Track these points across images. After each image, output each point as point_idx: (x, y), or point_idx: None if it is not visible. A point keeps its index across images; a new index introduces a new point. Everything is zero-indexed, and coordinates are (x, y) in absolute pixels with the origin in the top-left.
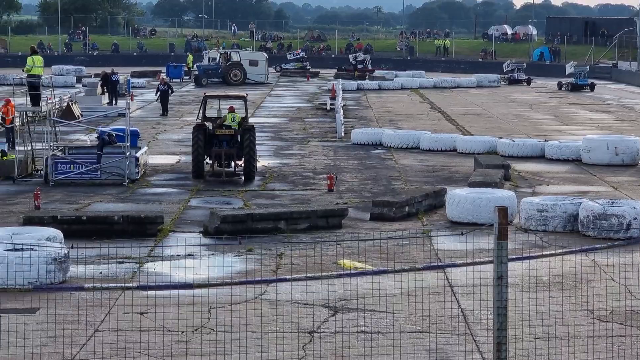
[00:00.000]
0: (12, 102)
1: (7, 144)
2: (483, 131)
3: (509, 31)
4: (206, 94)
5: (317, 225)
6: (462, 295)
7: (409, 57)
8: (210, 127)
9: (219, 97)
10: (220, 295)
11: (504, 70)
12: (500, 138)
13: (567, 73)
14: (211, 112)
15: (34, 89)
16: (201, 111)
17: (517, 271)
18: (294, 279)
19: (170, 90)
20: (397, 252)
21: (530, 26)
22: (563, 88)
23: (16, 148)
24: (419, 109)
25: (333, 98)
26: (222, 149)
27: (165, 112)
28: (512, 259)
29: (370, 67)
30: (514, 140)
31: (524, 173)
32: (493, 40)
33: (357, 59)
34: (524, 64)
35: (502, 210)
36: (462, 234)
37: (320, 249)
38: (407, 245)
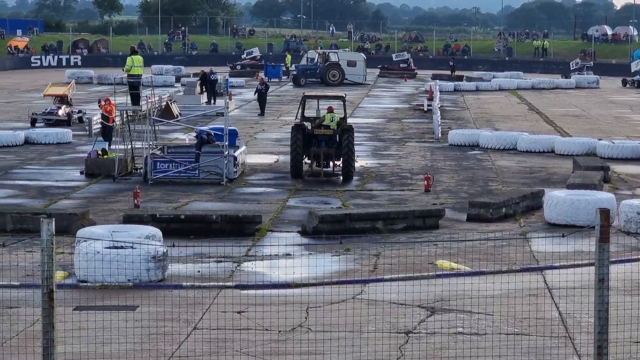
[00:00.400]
0: (113, 102)
1: (107, 143)
2: (582, 132)
3: (609, 32)
4: (305, 94)
5: (414, 226)
6: (561, 297)
7: (506, 58)
8: (309, 127)
9: (318, 97)
10: (317, 295)
11: (571, 69)
12: (600, 140)
13: (632, 71)
14: (310, 112)
15: (134, 88)
16: (300, 111)
17: (617, 274)
18: (391, 279)
19: (265, 89)
20: (494, 254)
21: (630, 27)
22: (627, 85)
23: (113, 147)
24: (516, 110)
25: (430, 99)
26: (320, 148)
27: (263, 111)
28: (613, 262)
29: (413, 67)
30: (613, 142)
31: (623, 175)
32: (593, 41)
33: (400, 59)
34: (591, 62)
35: (604, 212)
36: (563, 236)
37: (417, 250)
38: (504, 247)
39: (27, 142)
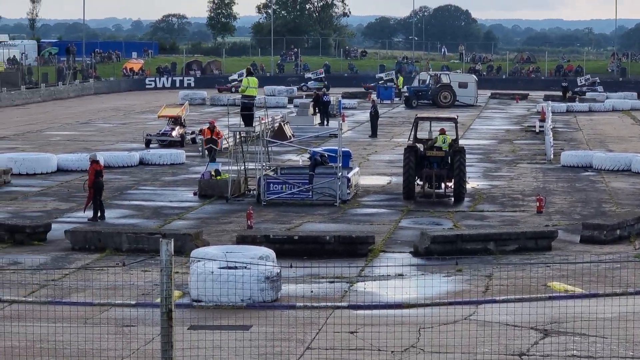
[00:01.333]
0: (217, 128)
1: (220, 164)
2: None
3: None
4: (417, 116)
5: (526, 247)
6: None
7: (620, 79)
8: (422, 149)
9: (430, 119)
10: (429, 316)
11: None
12: None
13: None
14: (422, 134)
15: (248, 109)
16: (412, 132)
17: None
18: (503, 301)
19: (375, 111)
20: (608, 276)
21: None
22: None
23: (226, 168)
24: (630, 131)
25: (542, 120)
26: (432, 170)
27: (374, 133)
28: None
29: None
30: None
31: None
32: None
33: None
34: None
35: None
36: None
37: (530, 271)
38: (618, 269)
39: (142, 162)
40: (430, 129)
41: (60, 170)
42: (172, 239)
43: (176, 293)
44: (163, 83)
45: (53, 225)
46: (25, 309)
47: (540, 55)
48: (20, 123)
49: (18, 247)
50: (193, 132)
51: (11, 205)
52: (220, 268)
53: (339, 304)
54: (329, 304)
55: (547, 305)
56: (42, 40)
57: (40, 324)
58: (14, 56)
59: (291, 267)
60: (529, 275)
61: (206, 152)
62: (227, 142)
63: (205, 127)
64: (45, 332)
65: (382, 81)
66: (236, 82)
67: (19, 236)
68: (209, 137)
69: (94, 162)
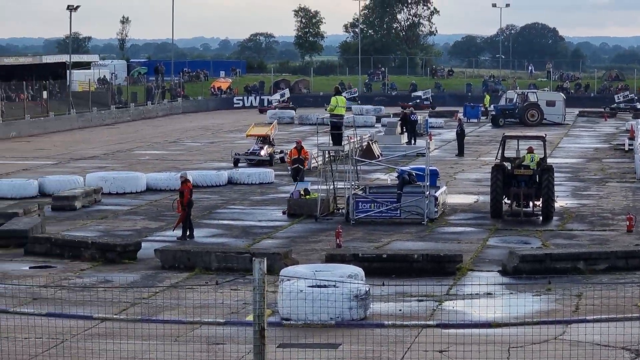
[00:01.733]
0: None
1: (309, 183)
2: None
3: None
4: (505, 134)
5: (617, 266)
6: None
7: None
8: (509, 167)
9: (518, 138)
10: (519, 335)
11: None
12: None
13: None
14: (510, 152)
15: (336, 128)
16: (500, 151)
17: None
18: (594, 320)
19: (461, 130)
20: None
21: None
22: None
23: (316, 187)
24: None
25: (632, 138)
26: (520, 188)
27: (461, 152)
28: None
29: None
30: None
31: None
32: None
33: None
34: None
35: None
36: None
37: (621, 290)
38: None
39: (231, 182)
40: (518, 148)
41: (150, 189)
42: (265, 258)
43: (266, 311)
44: (251, 102)
45: (143, 244)
46: (116, 326)
47: (629, 73)
48: (110, 142)
49: (109, 266)
50: (282, 151)
51: (102, 224)
52: (309, 287)
53: (428, 323)
54: (418, 322)
55: (639, 325)
56: (132, 60)
57: (131, 342)
58: (104, 76)
59: (383, 285)
60: (619, 295)
61: (293, 171)
62: (316, 161)
63: (292, 147)
64: (136, 349)
65: (419, 100)
66: (278, 103)
67: (110, 255)
68: (296, 157)
69: (186, 181)
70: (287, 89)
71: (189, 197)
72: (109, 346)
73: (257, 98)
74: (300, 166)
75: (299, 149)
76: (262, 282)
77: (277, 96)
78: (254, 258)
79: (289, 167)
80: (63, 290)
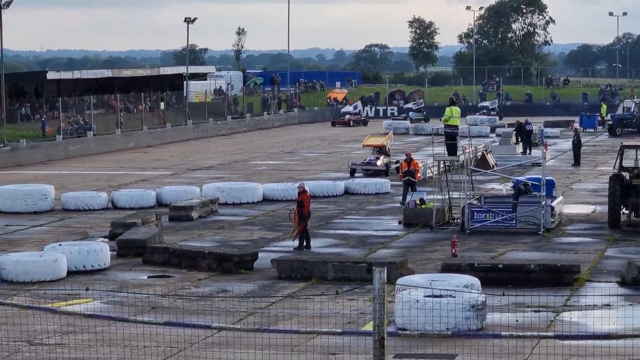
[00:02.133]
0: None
1: (424, 192)
2: None
3: None
4: (623, 144)
5: None
6: None
7: None
8: (627, 177)
9: (637, 147)
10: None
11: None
12: None
13: None
14: (628, 162)
15: (451, 138)
16: (618, 161)
17: None
18: None
19: (577, 140)
20: None
21: None
22: None
23: (431, 197)
24: None
25: None
26: (639, 198)
27: (577, 162)
28: None
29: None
30: None
31: None
32: None
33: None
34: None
35: None
36: None
37: None
38: None
39: (347, 192)
40: (637, 157)
41: (266, 200)
42: (385, 268)
43: None
44: (367, 112)
45: (260, 254)
46: (234, 335)
47: None
48: (226, 153)
49: (226, 276)
50: (397, 161)
51: (218, 234)
52: (425, 296)
53: (545, 334)
54: (535, 333)
55: None
56: (248, 70)
57: (249, 351)
58: (220, 87)
59: (503, 295)
60: None
61: (405, 184)
62: (431, 172)
63: (402, 159)
64: (252, 359)
65: (487, 110)
66: (350, 115)
67: (227, 265)
68: (406, 169)
69: (303, 191)
70: (359, 101)
71: (309, 206)
72: (227, 355)
73: (373, 109)
74: (411, 178)
75: (409, 161)
76: (382, 291)
77: (350, 108)
78: (374, 267)
79: (401, 180)
80: (181, 300)
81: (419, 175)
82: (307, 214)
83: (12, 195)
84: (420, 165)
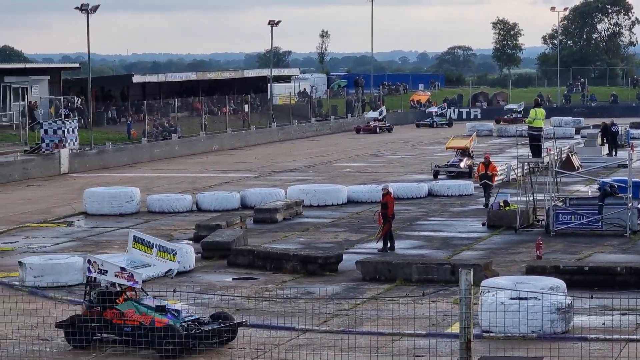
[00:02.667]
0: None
1: (509, 195)
2: None
3: None
4: None
5: None
6: None
7: None
8: None
9: None
10: None
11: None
12: None
13: None
14: None
15: (536, 140)
16: None
17: None
18: None
19: None
20: None
21: None
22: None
23: (515, 199)
24: None
25: None
26: None
27: None
28: None
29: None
30: None
31: None
32: None
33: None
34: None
35: None
36: None
37: None
38: None
39: (430, 194)
40: None
41: (350, 202)
42: (471, 269)
43: None
44: (450, 114)
45: (344, 256)
46: (317, 337)
47: None
48: (311, 155)
49: (310, 278)
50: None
51: (303, 236)
52: (510, 299)
53: (633, 337)
54: (622, 336)
55: None
56: (331, 73)
57: (333, 352)
58: (304, 89)
59: (591, 297)
60: None
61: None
62: (515, 173)
63: (480, 161)
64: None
65: (512, 113)
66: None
67: (311, 267)
68: (483, 172)
69: (388, 193)
70: (384, 107)
71: (393, 208)
72: (311, 357)
73: (456, 111)
74: (488, 182)
75: (487, 164)
76: (468, 293)
77: (375, 114)
78: (460, 269)
79: (478, 183)
80: (265, 302)
81: (495, 179)
82: (392, 215)
83: (99, 198)
84: (499, 168)
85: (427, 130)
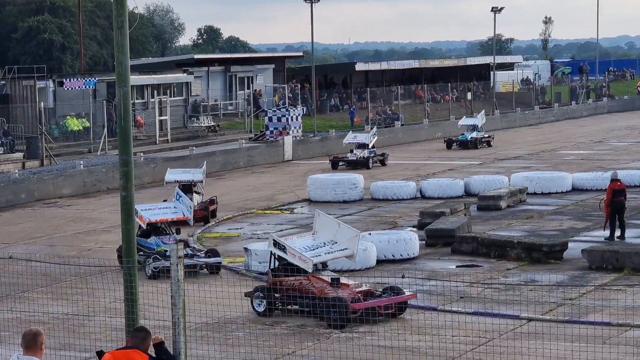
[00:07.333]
0: None
1: None
2: None
3: None
4: None
5: None
6: None
7: None
8: None
9: None
10: None
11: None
12: None
13: None
14: None
15: None
16: None
17: None
18: None
19: None
20: None
21: None
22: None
23: None
24: None
25: None
26: None
27: None
28: None
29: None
30: None
31: None
32: None
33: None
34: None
35: None
36: None
37: None
38: None
39: None
40: None
41: (575, 189)
42: None
43: None
44: None
45: (569, 244)
46: (542, 326)
47: None
48: (534, 142)
49: (535, 265)
50: None
51: (527, 224)
52: None
53: None
54: None
55: None
56: (555, 60)
57: (558, 342)
58: (527, 77)
59: None
60: None
61: None
62: None
63: None
64: (563, 350)
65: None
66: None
67: (536, 254)
68: None
69: (614, 180)
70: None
71: (610, 197)
72: (536, 345)
73: None
74: None
75: None
76: None
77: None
78: None
79: None
80: (489, 289)
81: None
82: (610, 203)
83: (323, 184)
84: None
85: None
